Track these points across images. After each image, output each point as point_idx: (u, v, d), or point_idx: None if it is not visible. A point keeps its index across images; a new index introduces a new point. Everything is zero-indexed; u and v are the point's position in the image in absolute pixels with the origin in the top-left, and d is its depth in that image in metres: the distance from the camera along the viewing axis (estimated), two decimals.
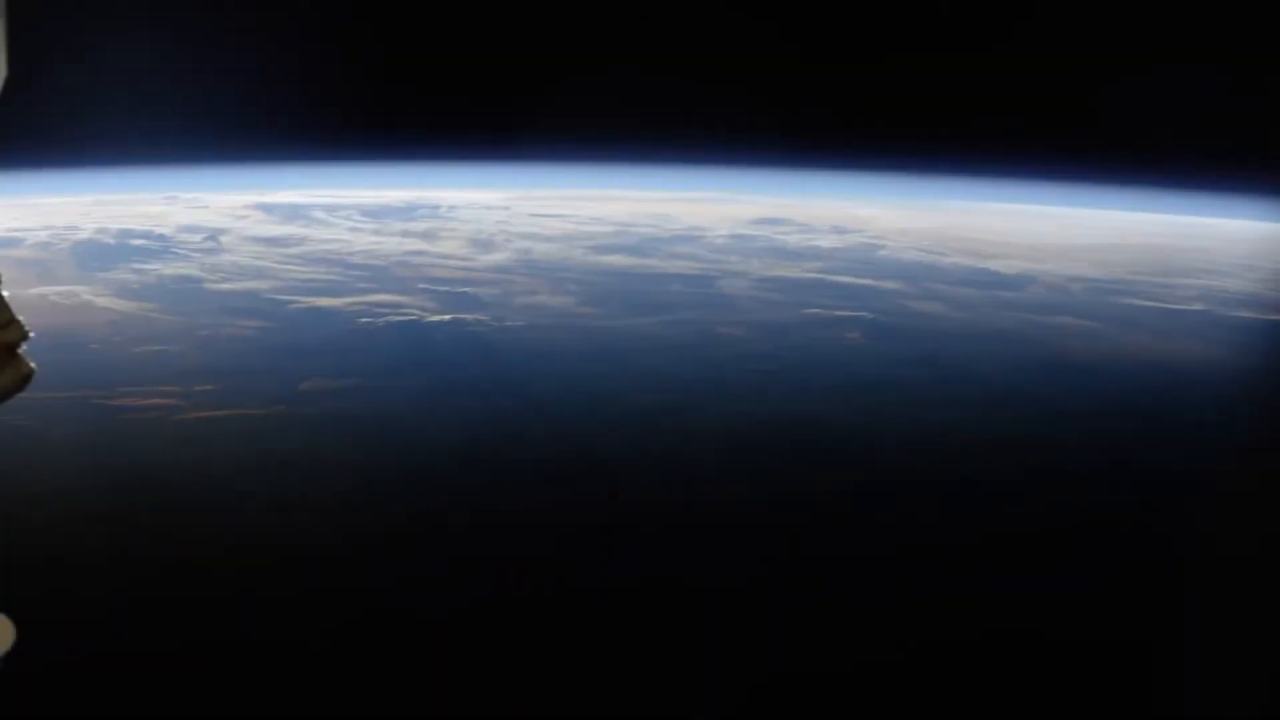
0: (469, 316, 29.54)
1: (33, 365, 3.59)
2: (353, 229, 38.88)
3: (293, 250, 35.76)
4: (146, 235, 35.99)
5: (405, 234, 38.51)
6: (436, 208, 42.38)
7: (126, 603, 14.53)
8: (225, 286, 31.69)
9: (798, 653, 13.65)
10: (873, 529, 17.62)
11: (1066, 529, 17.65)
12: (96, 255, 33.77)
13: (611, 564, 16.15)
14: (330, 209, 40.94)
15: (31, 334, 3.54)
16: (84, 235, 35.57)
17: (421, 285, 32.31)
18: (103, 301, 29.61)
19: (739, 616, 14.59)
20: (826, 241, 39.38)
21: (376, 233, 38.52)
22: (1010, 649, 13.78)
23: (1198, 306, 32.49)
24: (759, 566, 16.16)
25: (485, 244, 37.36)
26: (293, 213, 40.26)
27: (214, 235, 36.50)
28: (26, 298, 28.27)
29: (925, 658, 13.56)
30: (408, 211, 41.68)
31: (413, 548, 16.65)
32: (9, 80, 3.59)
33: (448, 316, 29.45)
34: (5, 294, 3.48)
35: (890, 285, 33.88)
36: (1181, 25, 28.21)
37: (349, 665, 13.13)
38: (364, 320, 29.06)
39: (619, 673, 13.13)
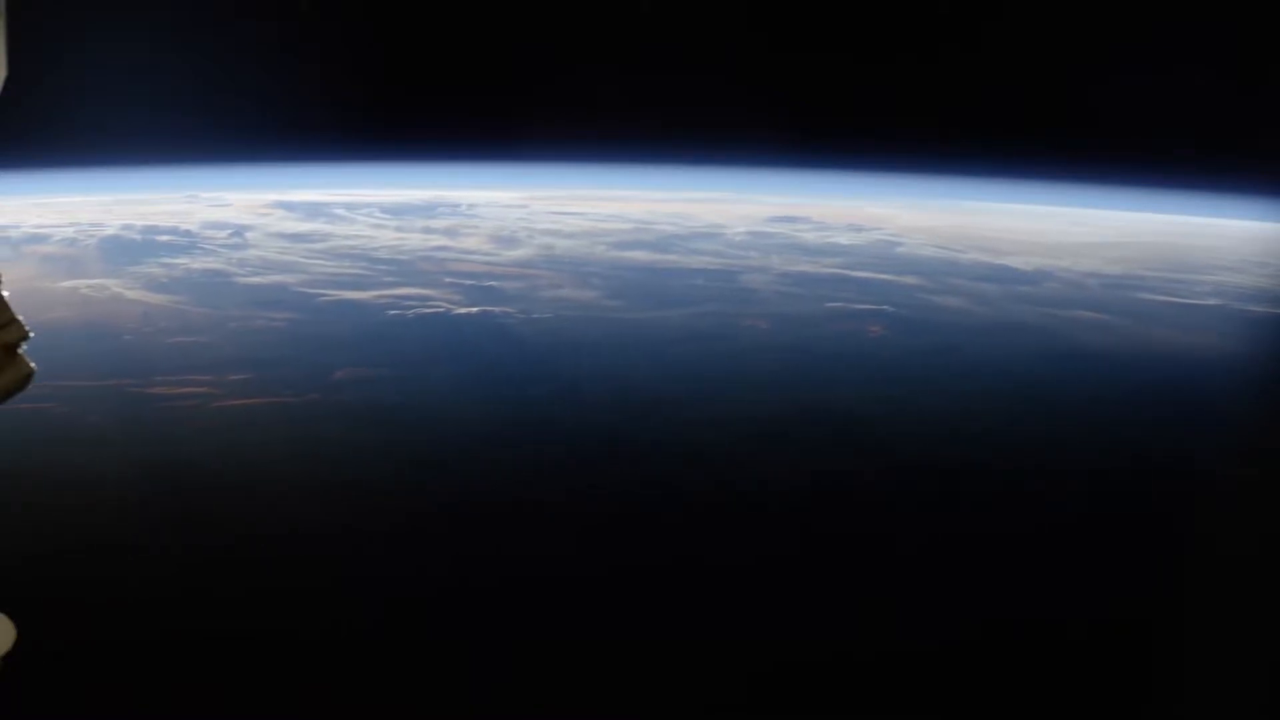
0: (496, 309, 29.67)
1: (33, 365, 3.49)
2: (375, 225, 38.98)
3: (317, 246, 35.86)
4: (172, 231, 36.17)
5: (427, 230, 38.62)
6: (457, 206, 42.46)
7: (156, 590, 14.58)
8: (253, 280, 31.84)
9: (815, 639, 13.78)
10: (894, 517, 17.76)
11: (1084, 520, 17.80)
12: (123, 250, 33.89)
13: (638, 549, 16.33)
14: (350, 207, 41.11)
15: (32, 334, 3.45)
16: (109, 232, 35.74)
17: (447, 279, 32.44)
18: (133, 294, 29.79)
19: (763, 602, 14.76)
20: (845, 238, 39.51)
21: (399, 229, 38.60)
22: (1022, 642, 13.85)
23: (1212, 302, 32.72)
24: (783, 552, 16.36)
25: (508, 240, 37.41)
26: (314, 210, 40.37)
27: (239, 231, 36.67)
28: (57, 290, 28.74)
29: (935, 649, 13.61)
30: (428, 209, 41.74)
31: (444, 534, 16.82)
32: (9, 80, 3.54)
33: (475, 309, 29.61)
34: (5, 294, 3.40)
35: (910, 280, 33.97)
36: (1181, 24, 28.59)
37: (381, 653, 13.15)
38: (392, 313, 29.21)
39: (645, 655, 13.29)
